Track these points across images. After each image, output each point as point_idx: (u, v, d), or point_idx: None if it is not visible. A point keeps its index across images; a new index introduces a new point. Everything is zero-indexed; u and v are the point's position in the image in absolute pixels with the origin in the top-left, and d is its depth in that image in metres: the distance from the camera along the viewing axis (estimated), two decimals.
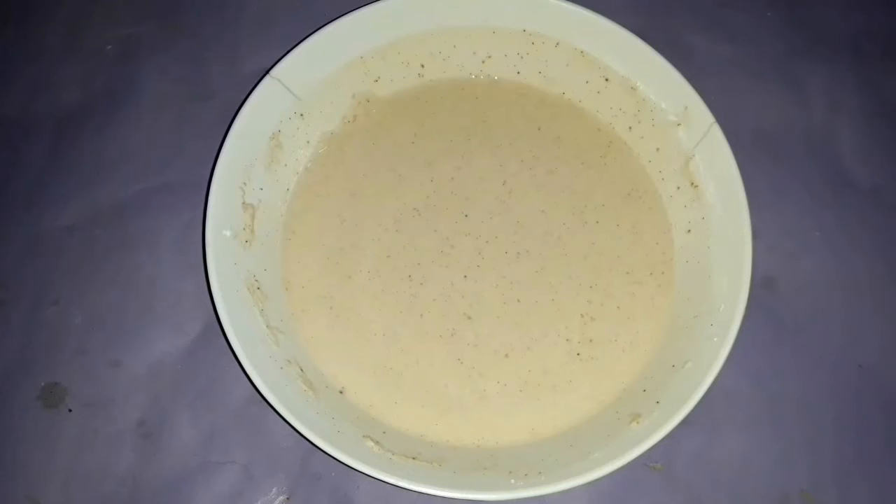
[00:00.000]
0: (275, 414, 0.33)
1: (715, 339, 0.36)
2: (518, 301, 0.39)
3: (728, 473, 0.39)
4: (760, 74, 0.47)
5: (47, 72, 0.46)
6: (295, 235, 0.40)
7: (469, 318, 0.39)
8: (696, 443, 0.39)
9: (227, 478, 0.38)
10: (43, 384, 0.39)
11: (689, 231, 0.40)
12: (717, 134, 0.38)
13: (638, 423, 0.35)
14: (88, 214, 0.42)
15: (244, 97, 0.38)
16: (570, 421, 0.38)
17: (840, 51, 0.48)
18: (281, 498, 0.38)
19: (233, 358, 0.34)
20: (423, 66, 0.43)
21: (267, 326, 0.37)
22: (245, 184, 0.38)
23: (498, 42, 0.42)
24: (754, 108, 0.46)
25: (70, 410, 0.39)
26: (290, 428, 0.33)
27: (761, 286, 0.42)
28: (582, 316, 0.39)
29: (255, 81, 0.39)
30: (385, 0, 0.40)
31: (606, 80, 0.42)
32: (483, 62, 0.43)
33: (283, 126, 0.40)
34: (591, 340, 0.39)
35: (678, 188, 0.41)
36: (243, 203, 0.38)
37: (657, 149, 0.42)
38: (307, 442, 0.33)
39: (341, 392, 0.38)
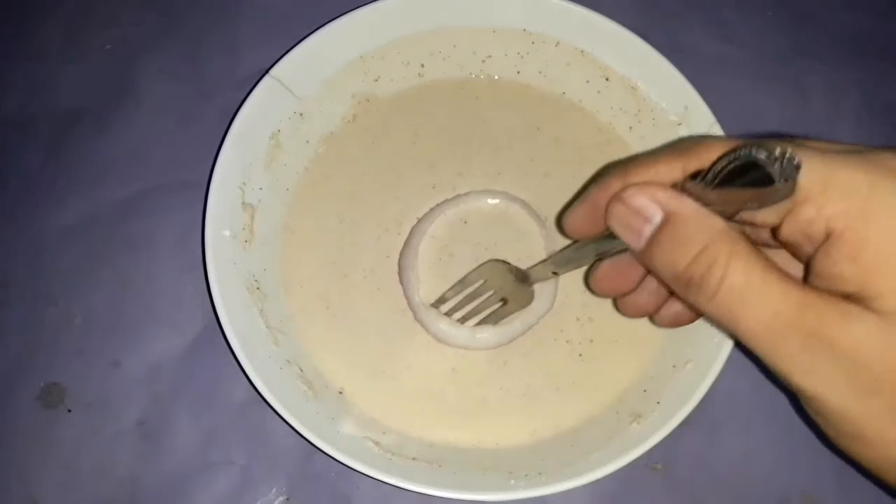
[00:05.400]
0: (274, 414, 0.33)
1: (715, 339, 0.36)
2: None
3: (729, 474, 0.39)
4: (760, 74, 0.47)
5: (47, 72, 0.46)
6: (294, 235, 0.40)
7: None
8: (697, 443, 0.39)
9: (226, 478, 0.38)
10: (43, 384, 0.39)
11: None
12: (718, 134, 0.38)
13: (638, 423, 0.35)
14: (88, 214, 0.42)
15: (244, 97, 0.38)
16: (571, 421, 0.38)
17: (840, 51, 0.48)
18: (281, 498, 0.38)
19: (232, 358, 0.34)
20: (423, 65, 0.43)
21: (266, 326, 0.37)
22: (245, 184, 0.38)
23: (498, 42, 0.42)
24: (754, 108, 0.46)
25: (69, 411, 0.39)
26: (289, 428, 0.33)
27: None
28: (577, 319, 0.39)
29: (255, 81, 0.39)
30: (385, 0, 0.40)
31: (607, 79, 0.42)
32: (483, 62, 0.43)
33: (283, 126, 0.40)
34: (591, 341, 0.39)
35: None
36: (243, 203, 0.38)
37: None
38: (307, 442, 0.33)
39: (341, 392, 0.38)
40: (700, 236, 0.24)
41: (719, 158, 0.23)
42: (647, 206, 0.25)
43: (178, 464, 0.38)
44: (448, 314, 0.38)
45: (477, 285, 0.38)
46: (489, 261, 0.39)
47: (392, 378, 0.38)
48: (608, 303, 0.40)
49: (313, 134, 0.42)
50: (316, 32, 0.39)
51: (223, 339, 0.34)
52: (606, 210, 0.27)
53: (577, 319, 0.39)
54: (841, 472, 0.39)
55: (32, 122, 0.44)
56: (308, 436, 0.33)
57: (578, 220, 0.30)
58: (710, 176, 0.23)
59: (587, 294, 0.40)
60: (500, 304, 0.38)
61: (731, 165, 0.22)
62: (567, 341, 0.39)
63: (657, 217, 0.25)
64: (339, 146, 0.42)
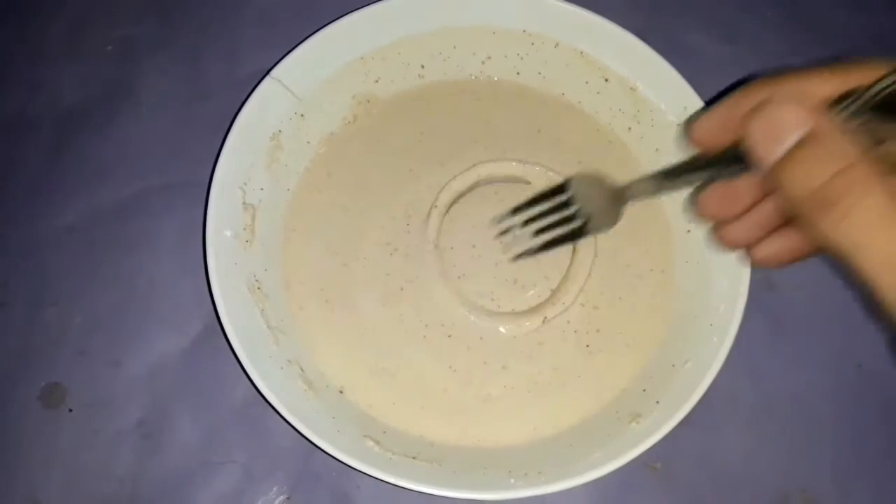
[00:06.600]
0: (275, 413, 0.33)
1: (715, 339, 0.36)
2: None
3: (728, 473, 0.39)
4: (760, 74, 0.47)
5: (47, 72, 0.46)
6: (295, 235, 0.40)
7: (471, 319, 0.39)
8: (696, 443, 0.39)
9: (227, 478, 0.38)
10: (43, 384, 0.39)
11: (688, 231, 0.40)
12: None
13: (638, 422, 0.35)
14: (88, 214, 0.42)
15: (244, 97, 0.38)
16: (571, 420, 0.38)
17: (840, 51, 0.48)
18: (281, 498, 0.38)
19: (233, 358, 0.34)
20: (423, 66, 0.43)
21: (267, 326, 0.37)
22: (245, 184, 0.38)
23: (498, 42, 0.42)
24: None
25: (70, 410, 0.39)
26: (290, 428, 0.33)
27: (761, 286, 0.42)
28: (582, 305, 0.39)
29: (256, 82, 0.39)
30: (385, 0, 0.40)
31: (606, 80, 0.42)
32: (483, 63, 0.43)
33: (284, 126, 0.40)
34: (598, 331, 0.39)
35: None
36: (244, 203, 0.38)
37: (656, 149, 0.42)
38: (307, 442, 0.33)
39: (341, 392, 0.38)
40: (842, 156, 0.23)
41: (880, 79, 0.22)
42: (792, 118, 0.24)
43: (179, 463, 0.38)
44: (520, 226, 0.37)
45: (562, 198, 0.36)
46: (578, 174, 0.37)
47: (393, 377, 0.38)
48: (608, 289, 0.40)
49: (314, 134, 0.42)
50: (316, 33, 0.39)
51: (224, 339, 0.35)
52: (746, 117, 0.26)
53: (583, 306, 0.39)
54: (840, 471, 0.39)
55: (33, 122, 0.44)
56: (308, 435, 0.33)
57: (711, 126, 0.29)
58: (867, 96, 0.23)
59: (587, 280, 0.40)
60: (581, 222, 0.36)
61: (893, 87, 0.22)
62: (575, 331, 0.39)
63: (800, 130, 0.24)
64: (340, 147, 0.42)
